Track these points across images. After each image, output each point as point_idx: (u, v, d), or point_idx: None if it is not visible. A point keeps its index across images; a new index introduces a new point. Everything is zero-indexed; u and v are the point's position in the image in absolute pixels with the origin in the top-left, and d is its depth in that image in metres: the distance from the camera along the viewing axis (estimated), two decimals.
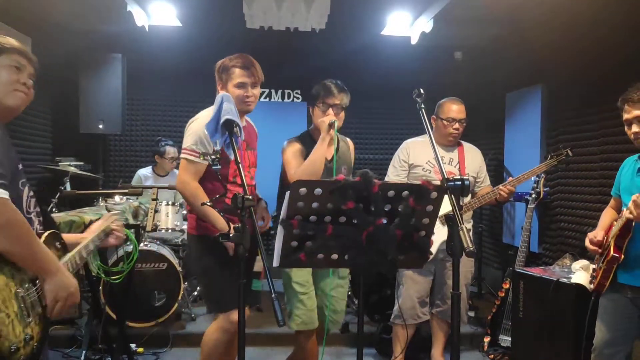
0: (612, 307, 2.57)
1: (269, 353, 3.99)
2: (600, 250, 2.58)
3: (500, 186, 3.36)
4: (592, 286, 2.64)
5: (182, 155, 2.68)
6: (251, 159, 2.85)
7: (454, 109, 3.39)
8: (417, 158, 3.43)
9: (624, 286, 2.49)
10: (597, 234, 2.61)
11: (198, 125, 2.62)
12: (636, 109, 2.41)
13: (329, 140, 2.77)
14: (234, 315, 2.51)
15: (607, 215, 2.74)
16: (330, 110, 2.85)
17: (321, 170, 2.79)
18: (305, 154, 2.86)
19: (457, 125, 3.38)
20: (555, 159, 3.54)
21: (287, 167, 2.90)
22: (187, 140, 2.65)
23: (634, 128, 2.43)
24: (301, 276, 2.88)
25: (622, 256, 2.43)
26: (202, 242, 2.71)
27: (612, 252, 2.45)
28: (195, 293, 4.73)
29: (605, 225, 2.68)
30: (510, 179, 3.42)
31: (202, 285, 2.86)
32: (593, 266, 2.72)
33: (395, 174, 3.49)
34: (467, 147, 3.55)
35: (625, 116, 2.48)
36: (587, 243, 2.63)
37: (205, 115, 2.60)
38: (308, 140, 2.92)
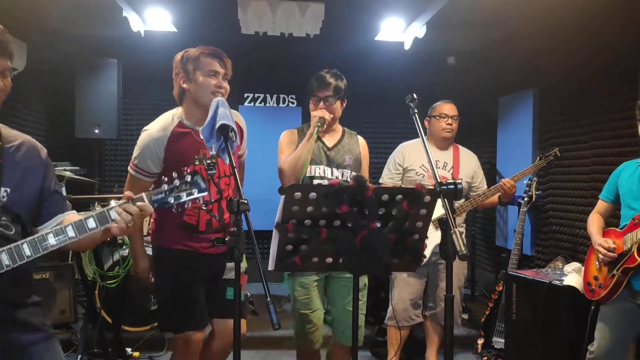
0: (616, 313, 2.55)
1: (265, 356, 4.01)
2: (616, 256, 2.52)
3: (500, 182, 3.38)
4: (594, 294, 2.61)
5: (128, 168, 2.46)
6: (224, 167, 2.54)
7: (446, 107, 3.49)
8: (411, 161, 3.47)
9: (637, 293, 2.46)
10: (608, 242, 2.54)
11: (146, 137, 2.42)
12: None
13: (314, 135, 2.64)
14: (192, 335, 2.46)
15: (596, 222, 2.73)
16: (322, 104, 2.75)
17: (304, 163, 2.62)
18: (297, 144, 2.80)
19: (449, 120, 3.44)
20: (544, 159, 3.57)
21: (279, 155, 2.83)
22: (135, 152, 2.44)
23: None
24: (304, 294, 2.74)
25: None
26: (164, 253, 2.55)
27: (638, 259, 2.40)
28: None
29: (600, 232, 2.66)
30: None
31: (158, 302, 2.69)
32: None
33: (389, 177, 3.52)
34: (463, 151, 3.59)
35: None
36: (603, 252, 2.54)
37: (156, 127, 2.44)
38: (302, 133, 2.88)
